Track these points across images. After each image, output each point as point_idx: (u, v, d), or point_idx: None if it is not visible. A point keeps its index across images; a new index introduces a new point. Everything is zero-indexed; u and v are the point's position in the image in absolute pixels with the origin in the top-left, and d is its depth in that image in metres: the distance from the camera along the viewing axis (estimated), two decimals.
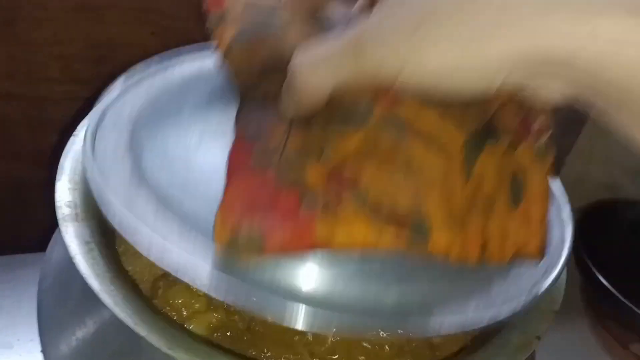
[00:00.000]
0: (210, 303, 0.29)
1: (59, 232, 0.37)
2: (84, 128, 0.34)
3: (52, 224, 0.59)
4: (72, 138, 0.33)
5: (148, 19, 0.53)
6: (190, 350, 0.25)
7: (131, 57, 0.53)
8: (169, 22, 0.53)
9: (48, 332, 0.32)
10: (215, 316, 0.29)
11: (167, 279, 0.30)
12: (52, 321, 0.32)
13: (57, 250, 0.36)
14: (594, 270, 0.68)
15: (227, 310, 0.29)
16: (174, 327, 0.27)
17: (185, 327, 0.28)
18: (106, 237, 0.30)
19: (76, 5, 0.50)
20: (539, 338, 0.30)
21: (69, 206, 0.29)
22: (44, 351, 0.32)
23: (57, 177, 0.31)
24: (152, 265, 0.25)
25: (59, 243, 0.36)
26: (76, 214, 0.29)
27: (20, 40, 0.51)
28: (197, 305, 0.29)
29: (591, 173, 0.83)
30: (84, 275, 0.26)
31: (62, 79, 0.54)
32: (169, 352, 0.25)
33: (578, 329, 0.72)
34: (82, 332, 0.31)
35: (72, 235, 0.28)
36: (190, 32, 0.53)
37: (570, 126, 0.78)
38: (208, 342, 0.27)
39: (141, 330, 0.25)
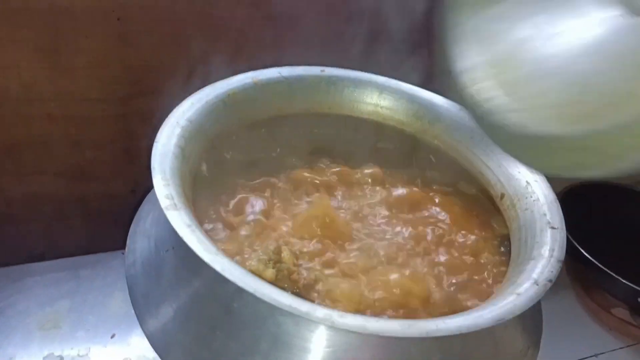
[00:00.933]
0: None
1: (135, 226, 0.43)
2: (161, 134, 0.40)
3: (86, 233, 0.64)
4: (155, 144, 0.39)
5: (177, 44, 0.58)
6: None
7: (162, 78, 0.59)
8: (195, 44, 0.59)
9: (144, 309, 0.38)
10: None
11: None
12: (146, 299, 0.38)
13: (139, 241, 0.42)
14: (577, 245, 0.76)
15: None
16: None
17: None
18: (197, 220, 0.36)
19: (114, 32, 0.56)
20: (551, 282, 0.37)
21: (167, 197, 0.35)
22: (142, 326, 0.38)
23: (153, 175, 0.37)
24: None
25: (140, 234, 0.42)
26: (175, 204, 0.35)
27: (62, 67, 0.56)
28: None
29: None
30: (195, 251, 0.32)
31: (99, 100, 0.59)
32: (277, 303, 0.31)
33: (566, 299, 0.79)
34: (177, 304, 0.37)
35: (177, 220, 0.34)
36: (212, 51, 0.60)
37: None
38: None
39: (249, 288, 0.31)
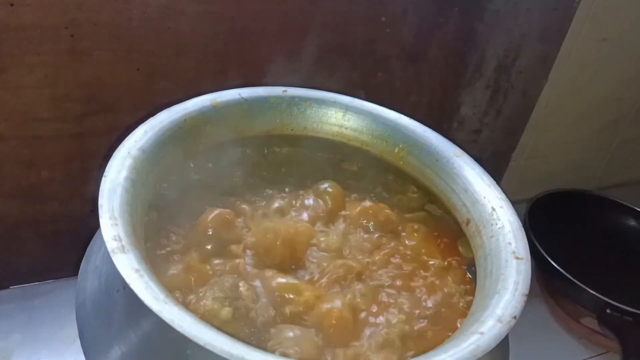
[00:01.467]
0: None
1: (87, 262, 0.41)
2: (110, 168, 0.38)
3: (41, 256, 0.62)
4: (103, 179, 0.37)
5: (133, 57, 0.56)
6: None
7: (118, 93, 0.57)
8: (153, 60, 0.57)
9: (94, 354, 0.36)
10: None
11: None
12: (96, 342, 0.36)
13: (90, 279, 0.40)
14: (545, 255, 0.76)
15: None
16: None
17: None
18: (147, 262, 0.35)
19: (66, 48, 0.53)
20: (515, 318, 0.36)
21: (115, 239, 0.33)
22: None
23: (100, 215, 0.35)
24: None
25: (90, 272, 0.40)
26: (122, 246, 0.33)
27: (12, 85, 0.53)
28: None
29: (534, 167, 0.92)
30: (141, 299, 0.31)
31: (53, 119, 0.57)
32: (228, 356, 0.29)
33: (536, 308, 0.79)
34: (127, 347, 0.35)
35: (124, 264, 0.32)
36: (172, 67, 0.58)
37: (514, 126, 0.85)
38: None
39: (199, 340, 0.30)
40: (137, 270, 0.32)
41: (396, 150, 0.51)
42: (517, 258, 0.40)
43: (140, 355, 0.34)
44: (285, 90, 0.50)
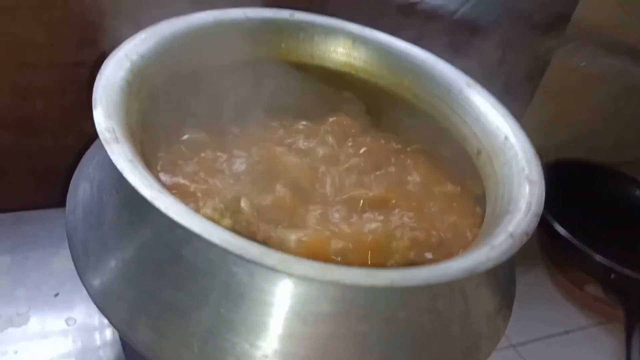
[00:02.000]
0: None
1: (79, 172, 0.39)
2: (106, 67, 0.36)
3: (32, 189, 0.59)
4: (98, 76, 0.35)
5: None
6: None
7: (118, 22, 0.54)
8: None
9: (83, 258, 0.34)
10: None
11: None
12: (84, 246, 0.35)
13: (81, 186, 0.38)
14: (550, 220, 0.74)
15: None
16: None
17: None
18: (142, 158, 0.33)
19: None
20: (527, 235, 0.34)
21: (108, 131, 0.31)
22: (82, 277, 0.34)
23: (93, 107, 0.33)
24: None
25: (83, 180, 0.38)
26: (116, 137, 0.31)
27: (5, 4, 0.50)
28: None
29: (541, 136, 0.90)
30: (135, 187, 0.29)
31: (47, 44, 0.54)
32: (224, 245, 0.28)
33: (536, 275, 0.77)
34: (119, 252, 0.33)
35: (116, 154, 0.30)
36: None
37: (522, 92, 0.83)
38: None
39: (195, 228, 0.28)
40: (131, 161, 0.30)
41: (406, 83, 0.49)
42: (530, 181, 0.38)
43: (132, 258, 0.32)
44: (292, 14, 0.48)
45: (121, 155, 0.30)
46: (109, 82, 0.35)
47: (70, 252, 0.35)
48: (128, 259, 0.33)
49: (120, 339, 0.46)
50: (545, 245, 0.79)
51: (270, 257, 0.28)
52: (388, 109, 0.50)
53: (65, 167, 0.58)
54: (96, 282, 0.33)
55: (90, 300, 0.42)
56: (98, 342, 0.46)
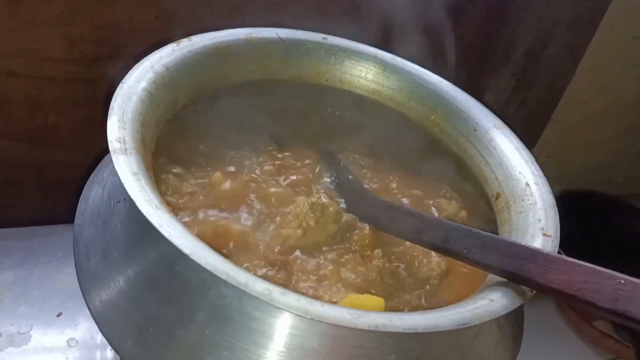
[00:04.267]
0: None
1: (95, 174, 0.40)
2: (130, 76, 0.37)
3: (42, 203, 0.59)
4: (120, 85, 0.36)
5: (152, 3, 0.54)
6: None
7: (134, 40, 0.54)
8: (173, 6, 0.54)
9: (84, 260, 0.35)
10: None
11: None
12: (87, 250, 0.35)
13: (94, 189, 0.39)
14: (560, 251, 0.71)
15: None
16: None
17: None
18: (149, 171, 0.33)
19: None
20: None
21: (118, 141, 0.32)
22: (79, 276, 0.34)
23: (109, 116, 0.33)
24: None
25: (96, 183, 0.39)
26: (125, 148, 0.32)
27: (26, 19, 0.51)
28: None
29: (553, 166, 0.87)
30: (133, 199, 0.29)
31: (65, 60, 0.55)
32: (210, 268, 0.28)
33: (545, 309, 0.74)
34: (116, 259, 0.34)
35: (122, 165, 0.31)
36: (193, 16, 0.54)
37: (536, 120, 0.81)
38: None
39: (185, 249, 0.28)
40: (135, 174, 0.31)
41: (433, 117, 0.48)
42: (545, 235, 0.37)
43: (128, 268, 0.33)
44: (325, 38, 0.48)
45: (126, 167, 0.31)
46: (129, 91, 0.36)
47: (74, 251, 0.36)
48: (125, 268, 0.33)
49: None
50: None
51: (255, 285, 0.27)
52: (412, 141, 0.49)
53: (75, 181, 0.58)
54: (93, 286, 0.34)
55: (93, 324, 0.43)
56: None
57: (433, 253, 0.40)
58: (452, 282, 0.40)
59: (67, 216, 0.54)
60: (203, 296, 0.30)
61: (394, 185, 0.46)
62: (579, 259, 0.69)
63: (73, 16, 0.52)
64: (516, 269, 0.32)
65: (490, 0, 0.66)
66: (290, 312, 0.28)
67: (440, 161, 0.48)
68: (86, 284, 0.34)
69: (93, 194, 0.38)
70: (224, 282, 0.29)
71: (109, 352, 0.46)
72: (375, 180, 0.46)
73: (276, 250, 0.38)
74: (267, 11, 0.56)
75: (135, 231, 0.34)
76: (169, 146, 0.40)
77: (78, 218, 0.37)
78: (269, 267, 0.36)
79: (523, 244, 0.34)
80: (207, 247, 0.29)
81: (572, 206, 0.79)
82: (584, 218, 0.80)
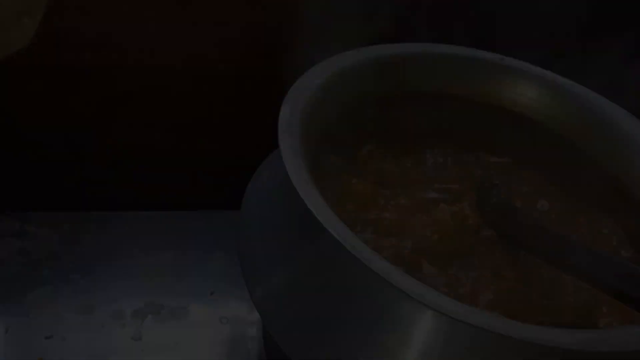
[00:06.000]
0: None
1: (253, 186, 0.41)
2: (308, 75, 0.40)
3: (197, 188, 0.61)
4: (300, 78, 0.39)
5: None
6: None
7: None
8: None
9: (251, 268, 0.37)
10: None
11: None
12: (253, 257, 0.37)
13: (260, 178, 0.41)
14: None
15: None
16: None
17: None
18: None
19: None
20: None
21: (289, 134, 0.35)
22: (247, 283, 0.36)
23: (282, 106, 0.36)
24: None
25: (266, 169, 0.41)
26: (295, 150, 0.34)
27: (186, 19, 0.54)
28: None
29: None
30: (307, 203, 0.31)
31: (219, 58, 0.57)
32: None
33: None
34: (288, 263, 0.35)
35: (291, 165, 0.33)
36: None
37: None
38: None
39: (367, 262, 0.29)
40: (307, 182, 0.33)
41: (593, 136, 0.46)
42: None
43: (294, 261, 0.34)
44: (502, 59, 0.48)
45: (297, 170, 0.33)
46: (303, 86, 0.38)
47: (236, 237, 0.38)
48: (289, 261, 0.35)
49: (263, 336, 0.48)
50: None
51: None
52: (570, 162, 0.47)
53: (227, 171, 0.57)
54: (255, 276, 0.36)
55: (242, 304, 0.50)
56: (247, 336, 0.49)
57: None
58: None
59: (218, 201, 0.58)
60: (371, 300, 0.31)
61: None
62: None
63: (226, 17, 0.55)
64: None
65: None
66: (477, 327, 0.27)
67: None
68: (249, 273, 0.36)
69: (260, 181, 0.41)
70: (396, 290, 0.29)
71: (255, 327, 0.50)
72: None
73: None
74: None
75: (300, 226, 0.35)
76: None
77: (244, 206, 0.39)
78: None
79: None
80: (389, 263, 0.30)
81: None
82: None
